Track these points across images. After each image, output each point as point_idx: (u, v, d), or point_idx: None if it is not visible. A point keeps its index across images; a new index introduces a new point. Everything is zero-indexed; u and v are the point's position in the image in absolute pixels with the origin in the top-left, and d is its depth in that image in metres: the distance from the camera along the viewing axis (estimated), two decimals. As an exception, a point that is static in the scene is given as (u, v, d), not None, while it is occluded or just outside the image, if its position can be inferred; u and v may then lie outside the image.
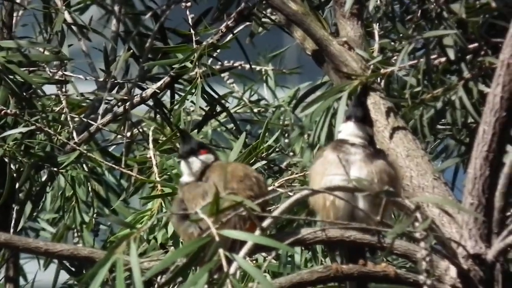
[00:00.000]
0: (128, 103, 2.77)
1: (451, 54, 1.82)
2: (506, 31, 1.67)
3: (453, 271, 1.66)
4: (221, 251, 1.46)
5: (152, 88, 2.77)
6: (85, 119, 2.76)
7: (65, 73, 2.82)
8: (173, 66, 2.72)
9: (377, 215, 1.62)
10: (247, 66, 2.93)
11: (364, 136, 1.73)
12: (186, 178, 1.84)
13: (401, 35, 1.88)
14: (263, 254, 2.35)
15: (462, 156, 1.83)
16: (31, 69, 2.72)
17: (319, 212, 1.72)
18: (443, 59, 1.87)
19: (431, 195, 1.75)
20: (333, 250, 1.77)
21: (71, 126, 2.72)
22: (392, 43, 1.90)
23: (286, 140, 2.79)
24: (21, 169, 2.58)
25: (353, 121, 1.74)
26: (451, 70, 1.87)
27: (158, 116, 2.79)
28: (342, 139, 1.75)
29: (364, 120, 1.74)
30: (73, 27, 2.78)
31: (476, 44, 1.85)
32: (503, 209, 1.64)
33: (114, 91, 2.81)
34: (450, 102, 1.82)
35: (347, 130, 1.75)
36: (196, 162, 1.83)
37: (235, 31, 2.77)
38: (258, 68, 3.02)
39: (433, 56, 1.86)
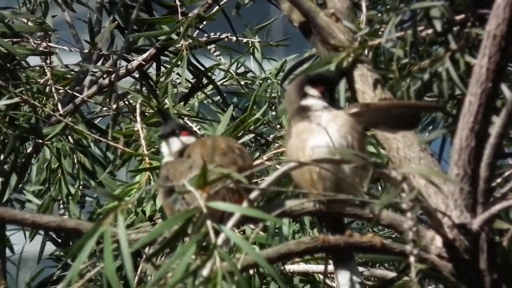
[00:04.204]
0: (113, 75, 2.76)
1: (438, 25, 1.82)
2: (493, 2, 1.66)
3: (438, 241, 1.68)
4: (208, 222, 1.46)
5: (137, 60, 2.76)
6: (70, 91, 2.75)
7: (50, 44, 2.79)
8: (159, 38, 2.70)
9: (362, 183, 1.63)
10: (234, 38, 2.91)
11: (321, 96, 1.75)
12: (167, 158, 1.85)
13: (388, 6, 1.87)
14: (251, 226, 2.36)
15: (449, 127, 1.84)
16: (14, 40, 2.69)
17: (305, 187, 1.72)
18: (430, 31, 1.86)
19: (418, 166, 1.75)
20: (321, 221, 1.78)
21: (56, 98, 2.70)
22: (380, 15, 1.89)
23: (273, 113, 2.78)
24: (6, 141, 2.56)
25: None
26: (438, 42, 1.86)
27: (144, 88, 2.78)
28: (304, 106, 1.75)
29: (316, 81, 1.75)
30: (57, -3, 2.75)
31: (463, 16, 1.84)
32: (488, 179, 1.65)
33: (100, 63, 2.79)
34: (437, 74, 1.81)
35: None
36: (176, 142, 1.84)
37: (221, 3, 2.75)
38: (244, 40, 3.00)
39: (420, 28, 1.85)
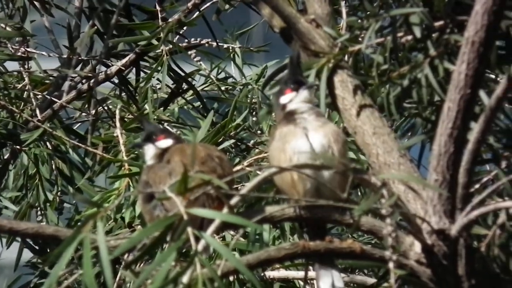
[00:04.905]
0: (92, 80, 2.74)
1: (418, 32, 1.83)
2: (471, 9, 1.68)
3: (417, 247, 1.69)
4: (189, 229, 1.45)
5: (117, 65, 2.74)
6: (48, 96, 2.73)
7: (28, 49, 2.77)
8: (139, 43, 2.69)
9: (341, 188, 1.64)
10: (214, 43, 2.91)
11: (314, 100, 1.78)
12: (147, 162, 1.85)
13: (368, 13, 1.88)
14: (231, 232, 2.36)
15: (428, 133, 1.85)
16: (-8, 45, 2.67)
17: (286, 189, 1.73)
18: (409, 37, 1.87)
19: (397, 172, 1.76)
20: (302, 227, 1.79)
21: (34, 103, 2.68)
22: (360, 21, 1.90)
23: (254, 119, 2.78)
24: (-17, 147, 2.53)
25: (306, 88, 1.77)
26: (417, 48, 1.87)
27: (123, 93, 2.77)
28: (291, 110, 1.76)
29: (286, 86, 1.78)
30: (35, 2, 2.73)
31: (442, 22, 1.85)
32: (466, 185, 1.66)
33: (78, 68, 2.77)
34: (416, 80, 1.83)
35: (301, 97, 1.77)
36: (151, 149, 1.83)
37: (201, 8, 2.75)
38: (225, 45, 3.00)
39: (399, 34, 1.86)
